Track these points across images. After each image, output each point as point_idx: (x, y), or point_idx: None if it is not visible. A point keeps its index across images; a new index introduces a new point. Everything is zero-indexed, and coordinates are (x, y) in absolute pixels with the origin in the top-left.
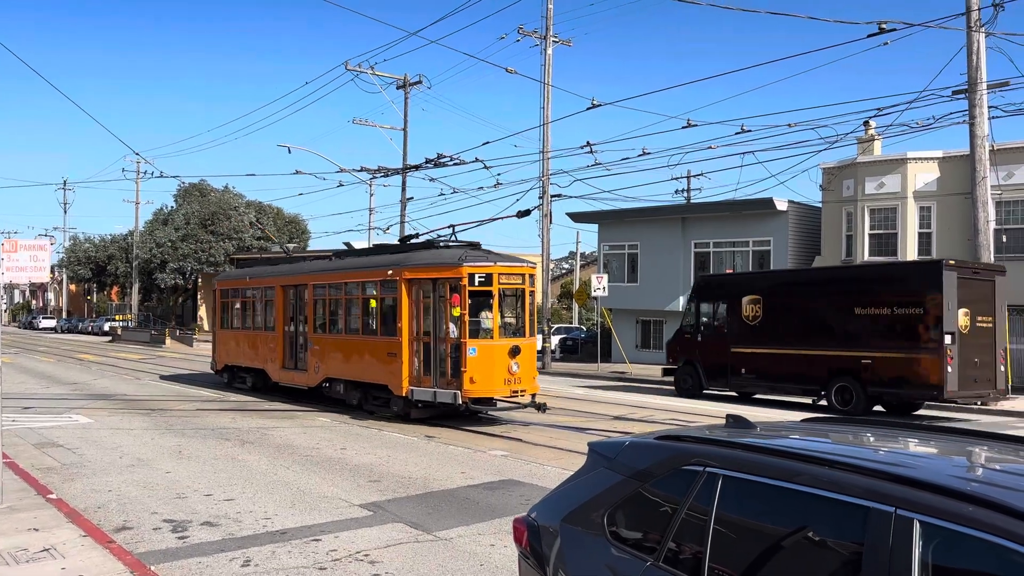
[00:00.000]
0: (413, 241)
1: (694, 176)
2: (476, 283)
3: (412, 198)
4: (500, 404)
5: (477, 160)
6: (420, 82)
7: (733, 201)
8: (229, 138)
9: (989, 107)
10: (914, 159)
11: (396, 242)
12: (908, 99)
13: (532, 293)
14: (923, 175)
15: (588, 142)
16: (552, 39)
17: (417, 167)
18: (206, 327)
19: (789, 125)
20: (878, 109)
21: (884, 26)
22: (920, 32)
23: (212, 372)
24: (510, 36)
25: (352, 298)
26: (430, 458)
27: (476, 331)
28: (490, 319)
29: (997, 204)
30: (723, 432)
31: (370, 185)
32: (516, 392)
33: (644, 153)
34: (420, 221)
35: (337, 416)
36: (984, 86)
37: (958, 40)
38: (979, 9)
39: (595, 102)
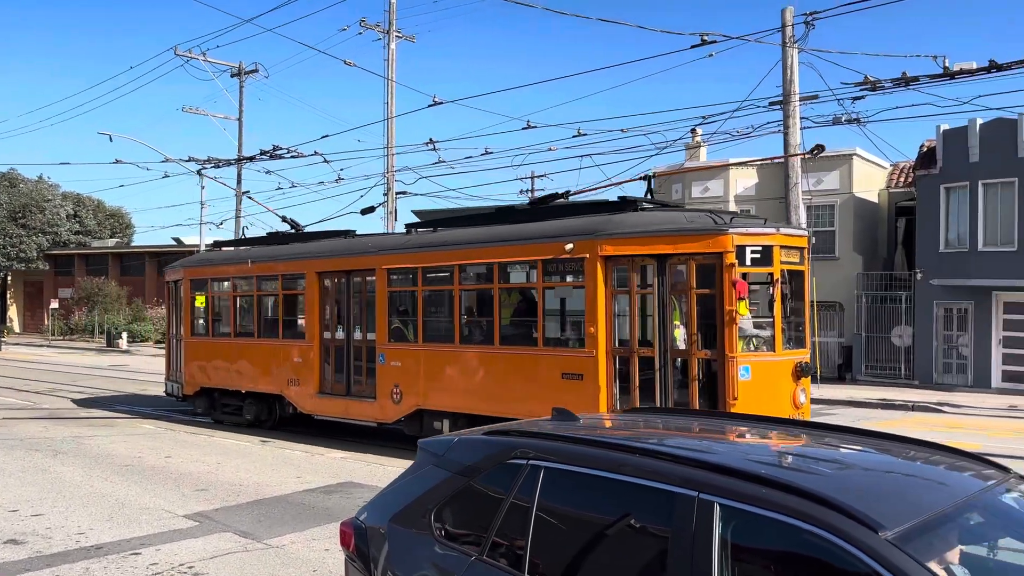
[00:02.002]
0: (558, 201)
1: (537, 177)
2: (748, 261)
3: (248, 192)
4: None
5: (316, 153)
6: (256, 71)
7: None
8: (43, 125)
9: (801, 118)
10: (735, 165)
11: (523, 206)
12: (731, 108)
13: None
14: (743, 180)
15: (431, 139)
16: (395, 34)
17: (252, 159)
18: (17, 328)
19: (622, 131)
20: (703, 117)
21: (706, 38)
22: (742, 45)
23: (171, 396)
24: (352, 28)
25: (477, 289)
26: (264, 463)
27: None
28: (769, 320)
29: (808, 208)
30: (549, 425)
31: (201, 177)
32: None
33: (487, 152)
34: (257, 216)
35: (162, 423)
36: (797, 98)
37: (775, 54)
38: (792, 26)
39: (437, 99)
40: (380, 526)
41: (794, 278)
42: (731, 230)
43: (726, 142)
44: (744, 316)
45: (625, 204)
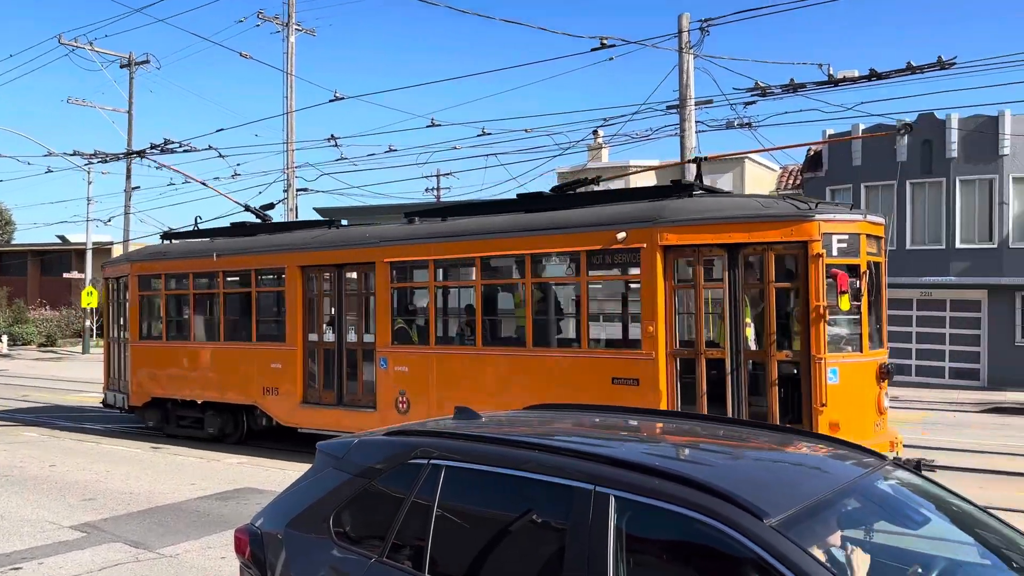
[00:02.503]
0: (591, 188)
1: (443, 175)
2: (835, 251)
3: (139, 187)
4: None
5: (211, 148)
6: (148, 61)
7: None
8: None
9: (697, 122)
10: (635, 167)
11: (546, 192)
12: (631, 111)
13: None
14: (642, 181)
15: (333, 135)
16: (295, 27)
17: (142, 153)
18: None
19: (527, 131)
20: (605, 119)
21: (606, 41)
22: (641, 49)
23: (113, 408)
24: (250, 20)
25: (504, 284)
26: (156, 471)
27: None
28: (856, 317)
29: None
30: (451, 424)
31: (88, 172)
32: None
33: (391, 150)
34: (148, 212)
35: (46, 430)
36: (692, 103)
37: (673, 59)
38: (688, 32)
39: (338, 95)
40: (277, 531)
41: (870, 271)
42: (817, 216)
43: (627, 144)
44: (842, 312)
45: (679, 188)
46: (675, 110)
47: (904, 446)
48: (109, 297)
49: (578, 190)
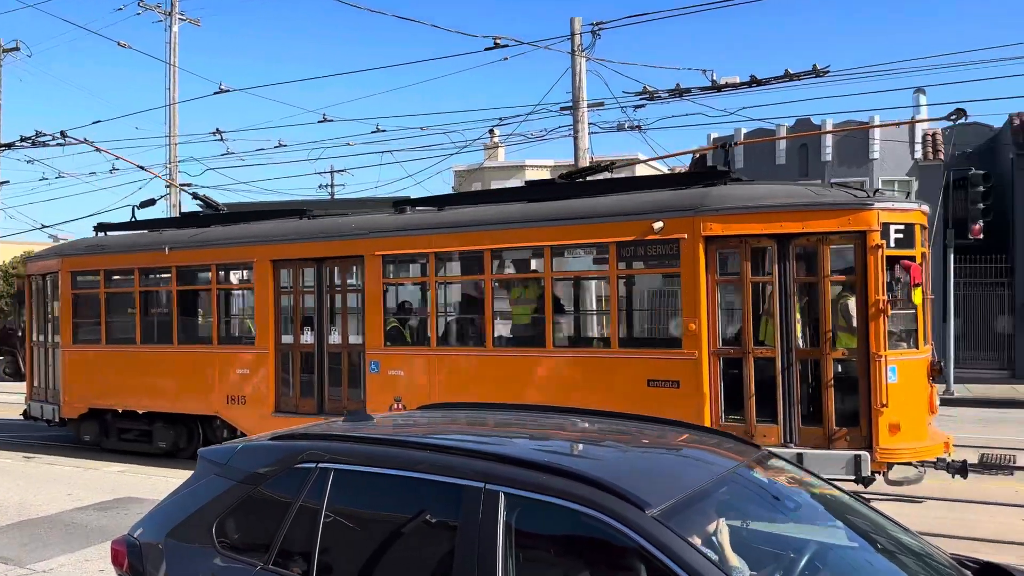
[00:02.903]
0: (606, 175)
1: (337, 172)
2: (892, 242)
3: (7, 182)
4: (915, 468)
5: (86, 141)
6: (18, 48)
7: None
8: None
9: (589, 123)
10: (531, 166)
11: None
12: (526, 112)
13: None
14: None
15: (218, 129)
16: (178, 16)
17: (10, 145)
18: None
19: (422, 128)
20: (500, 119)
21: (499, 41)
22: (536, 51)
23: (39, 421)
24: (130, 8)
25: (518, 279)
26: (29, 481)
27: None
28: (912, 312)
29: None
30: (341, 426)
31: None
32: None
33: (281, 145)
34: (19, 209)
35: None
36: (585, 104)
37: (566, 61)
38: (580, 34)
39: (224, 87)
40: (157, 542)
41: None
42: (876, 204)
43: (523, 143)
44: (912, 302)
45: (715, 175)
46: (568, 111)
47: (964, 446)
48: (32, 296)
49: (587, 178)
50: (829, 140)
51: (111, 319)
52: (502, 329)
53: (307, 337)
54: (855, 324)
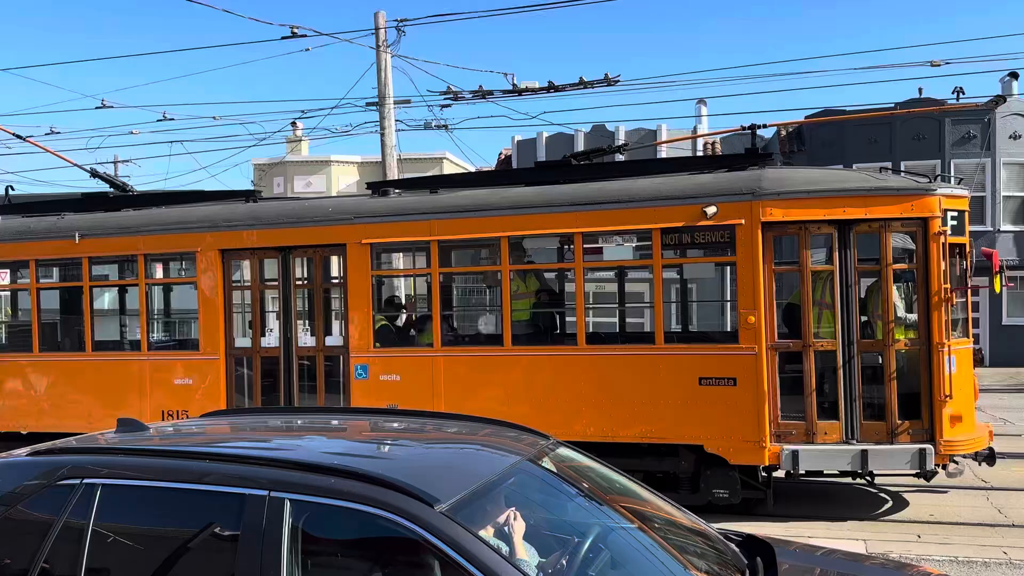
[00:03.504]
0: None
1: (121, 162)
2: (949, 228)
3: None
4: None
5: None
6: None
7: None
8: None
9: (396, 120)
10: (337, 162)
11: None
12: (330, 105)
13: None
14: (345, 176)
15: None
16: None
17: None
18: None
19: (215, 118)
20: (303, 111)
21: (297, 31)
22: (342, 44)
23: None
24: None
25: (542, 270)
26: None
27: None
28: (962, 300)
29: None
30: (111, 438)
31: None
32: None
33: (52, 132)
34: None
35: None
36: (391, 101)
37: (372, 56)
38: (385, 29)
39: None
40: None
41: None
42: (939, 190)
43: (328, 138)
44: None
45: (758, 157)
46: (375, 107)
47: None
48: None
49: (593, 161)
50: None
51: (26, 321)
52: (521, 325)
53: (270, 339)
54: (897, 314)
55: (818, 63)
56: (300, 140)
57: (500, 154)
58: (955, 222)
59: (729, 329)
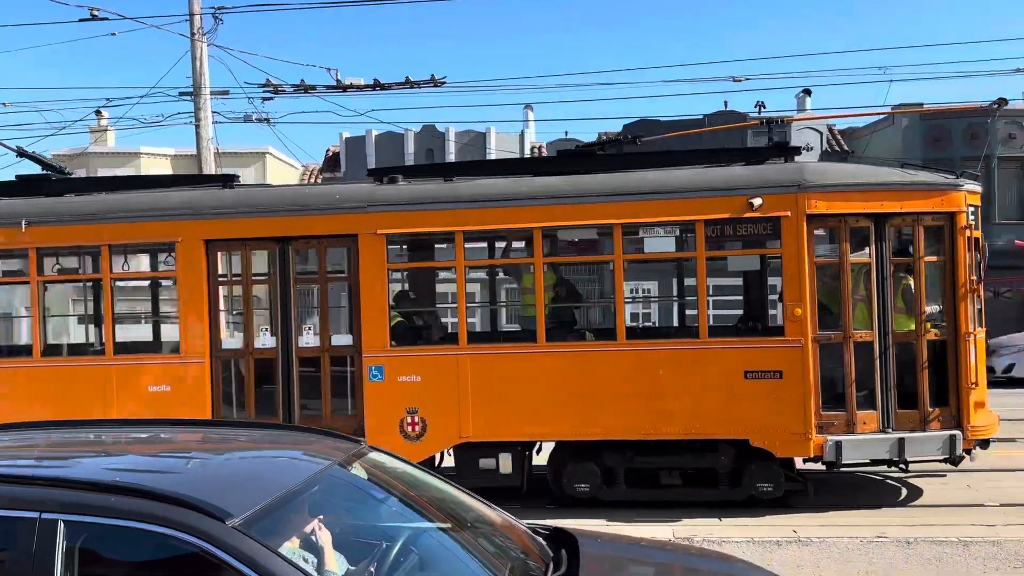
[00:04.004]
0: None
1: None
2: (969, 221)
3: None
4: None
5: None
6: None
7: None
8: None
9: (214, 112)
10: (147, 154)
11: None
12: (140, 94)
13: None
14: (155, 170)
15: None
16: None
17: None
18: None
19: (4, 104)
20: (108, 99)
21: (97, 13)
22: (155, 31)
23: None
24: None
25: (579, 263)
26: None
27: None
28: (977, 291)
29: None
30: None
31: None
32: None
33: None
34: None
35: None
36: (208, 92)
37: (186, 44)
38: (200, 15)
39: None
40: None
41: None
42: (965, 186)
43: (137, 128)
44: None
45: (786, 150)
46: (189, 97)
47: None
48: None
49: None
50: (452, 147)
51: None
52: (557, 320)
53: (265, 340)
54: (914, 306)
55: (637, 74)
56: (105, 130)
57: (328, 151)
58: (973, 217)
59: (773, 322)
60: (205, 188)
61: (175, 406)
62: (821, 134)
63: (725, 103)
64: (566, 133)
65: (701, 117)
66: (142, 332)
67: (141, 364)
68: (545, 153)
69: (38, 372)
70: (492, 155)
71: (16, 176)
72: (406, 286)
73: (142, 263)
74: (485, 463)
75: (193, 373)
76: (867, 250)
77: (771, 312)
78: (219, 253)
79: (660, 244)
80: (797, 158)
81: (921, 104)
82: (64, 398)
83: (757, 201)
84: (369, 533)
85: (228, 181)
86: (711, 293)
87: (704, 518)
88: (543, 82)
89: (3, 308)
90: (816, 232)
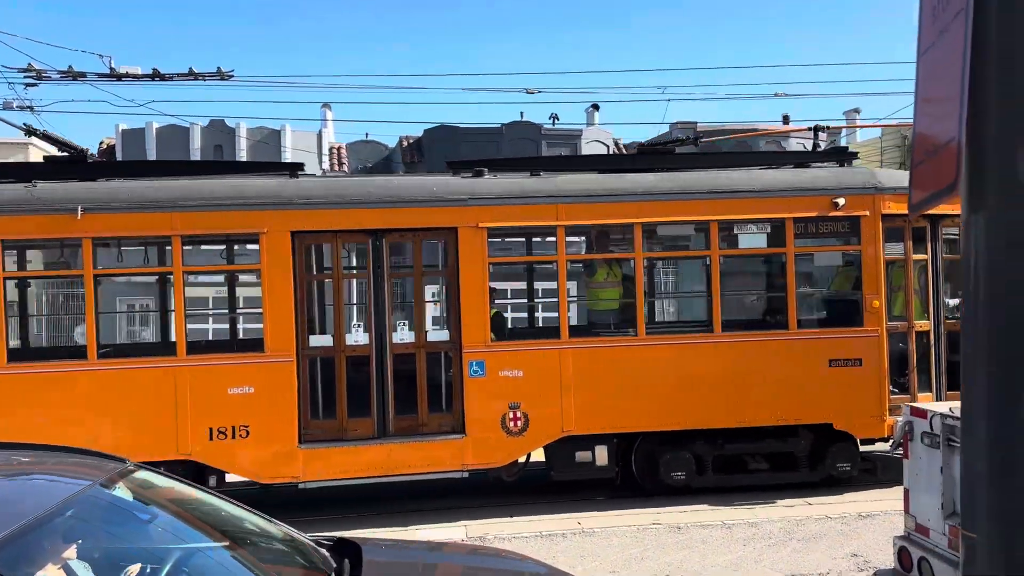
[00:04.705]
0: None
1: None
2: None
3: None
4: None
5: None
6: None
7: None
8: None
9: None
10: None
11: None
12: None
13: None
14: None
15: None
16: None
17: None
18: None
19: None
20: None
21: None
22: None
23: None
24: None
25: (674, 258)
26: None
27: None
28: None
29: None
30: None
31: None
32: None
33: None
34: None
35: None
36: None
37: None
38: None
39: None
40: None
41: None
42: None
43: None
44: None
45: (844, 155)
46: None
47: None
48: None
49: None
50: (244, 144)
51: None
52: (655, 313)
53: (357, 336)
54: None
55: (436, 80)
56: None
57: (101, 143)
58: None
59: (853, 314)
60: (271, 176)
61: (260, 409)
62: (608, 147)
63: (521, 113)
64: (367, 135)
65: (499, 126)
66: (210, 329)
67: (218, 364)
68: (345, 155)
69: (95, 376)
70: (287, 153)
71: (45, 158)
72: (512, 279)
73: (217, 255)
74: (582, 456)
75: (279, 372)
76: (922, 247)
77: (842, 304)
78: (307, 246)
79: (753, 240)
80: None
81: (695, 123)
82: (125, 403)
83: (841, 201)
84: (135, 556)
85: (294, 170)
86: (800, 286)
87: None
88: (342, 81)
89: (57, 304)
90: (886, 230)
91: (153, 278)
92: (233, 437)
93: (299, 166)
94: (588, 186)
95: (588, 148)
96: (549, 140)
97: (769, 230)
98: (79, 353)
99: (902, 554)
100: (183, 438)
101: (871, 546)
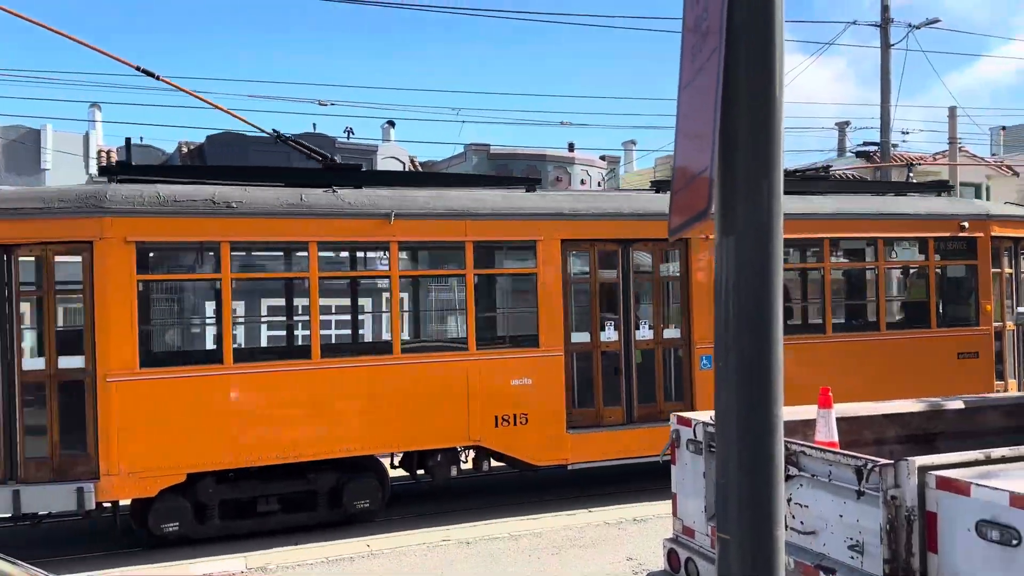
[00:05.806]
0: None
1: None
2: None
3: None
4: None
5: None
6: None
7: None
8: None
9: None
10: None
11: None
12: None
13: None
14: None
15: None
16: None
17: None
18: None
19: None
20: None
21: None
22: None
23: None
24: None
25: (850, 268)
26: None
27: None
28: None
29: None
30: None
31: None
32: None
33: None
34: None
35: None
36: None
37: None
38: None
39: None
40: None
41: None
42: None
43: None
44: None
45: (943, 187)
46: None
47: None
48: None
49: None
50: None
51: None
52: (836, 315)
53: (608, 334)
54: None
55: (217, 85)
56: None
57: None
58: None
59: (970, 316)
60: (511, 189)
61: (536, 399)
62: (403, 164)
63: (314, 125)
64: (141, 139)
65: (289, 135)
66: (508, 326)
67: (506, 358)
68: (116, 157)
69: (400, 370)
70: (48, 156)
71: (327, 164)
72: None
73: (496, 260)
74: None
75: (549, 366)
76: (1013, 263)
77: (955, 308)
78: (571, 253)
79: (905, 254)
80: None
81: (488, 145)
82: (421, 393)
83: (966, 224)
84: None
85: (531, 184)
86: (939, 292)
87: None
88: (112, 80)
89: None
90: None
91: (446, 280)
92: (515, 424)
93: (536, 181)
94: (809, 209)
95: (384, 164)
96: (344, 154)
97: (918, 246)
98: (385, 348)
99: (671, 555)
100: (474, 426)
101: (644, 549)
